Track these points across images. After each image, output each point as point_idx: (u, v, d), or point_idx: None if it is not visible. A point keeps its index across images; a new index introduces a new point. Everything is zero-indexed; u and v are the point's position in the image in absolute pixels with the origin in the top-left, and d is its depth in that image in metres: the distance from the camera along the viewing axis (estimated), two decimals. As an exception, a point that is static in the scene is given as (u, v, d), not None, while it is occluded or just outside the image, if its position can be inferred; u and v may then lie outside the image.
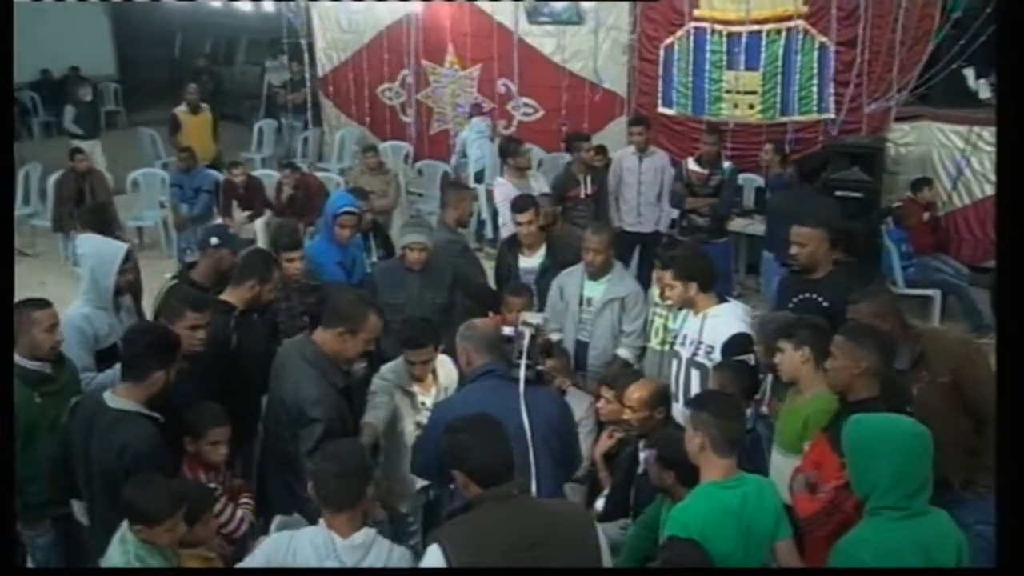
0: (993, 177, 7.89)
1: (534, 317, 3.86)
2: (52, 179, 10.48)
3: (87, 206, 9.14)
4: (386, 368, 4.48)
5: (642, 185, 8.05)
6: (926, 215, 8.35)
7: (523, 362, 3.56)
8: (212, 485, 3.90)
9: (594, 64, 10.94)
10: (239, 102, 16.90)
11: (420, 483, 4.30)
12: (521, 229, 5.96)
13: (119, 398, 3.65)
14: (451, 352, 4.24)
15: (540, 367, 3.71)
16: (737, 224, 8.78)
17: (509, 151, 7.69)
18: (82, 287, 4.71)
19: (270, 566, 2.98)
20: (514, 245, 6.13)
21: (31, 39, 16.20)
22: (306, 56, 13.49)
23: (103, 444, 3.57)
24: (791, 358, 3.82)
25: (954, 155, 8.77)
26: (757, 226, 8.69)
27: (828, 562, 2.84)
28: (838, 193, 8.48)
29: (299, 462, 3.88)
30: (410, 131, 12.98)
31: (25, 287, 7.39)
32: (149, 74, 19.39)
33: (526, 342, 3.61)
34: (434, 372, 4.50)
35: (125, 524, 3.27)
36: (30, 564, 4.23)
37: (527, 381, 3.56)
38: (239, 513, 3.96)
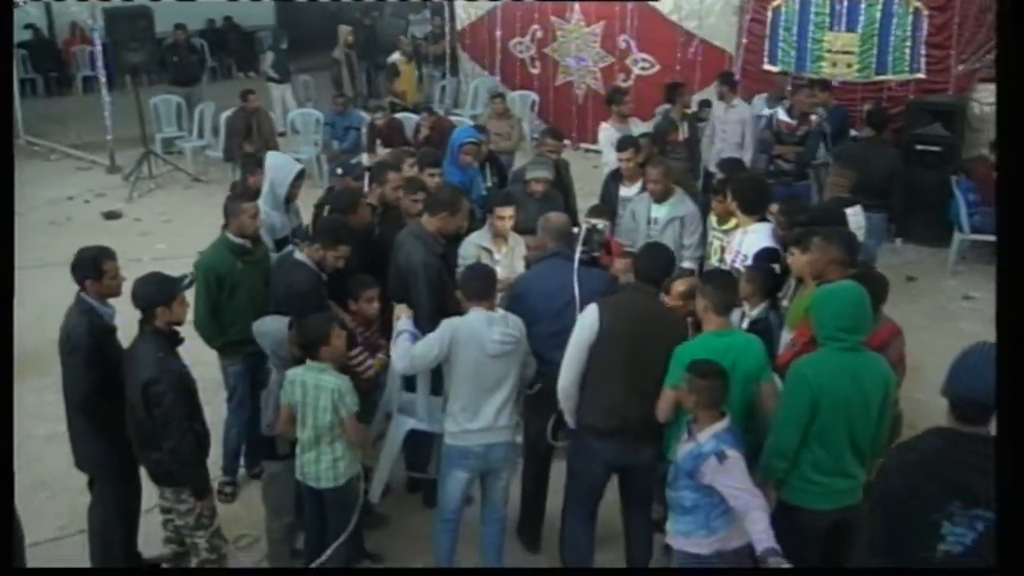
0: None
1: (597, 221, 5.37)
2: (224, 115, 12.01)
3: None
4: (472, 235, 5.82)
5: (724, 132, 9.28)
6: (995, 173, 9.02)
7: (578, 248, 4.91)
8: (366, 334, 5.20)
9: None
10: (386, 52, 18.27)
11: None
12: (622, 164, 7.17)
13: (301, 253, 5.13)
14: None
15: (596, 254, 5.11)
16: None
17: (614, 99, 8.84)
18: (263, 191, 6.05)
19: (451, 345, 4.35)
20: (617, 177, 7.32)
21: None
22: (447, 11, 14.81)
23: (280, 280, 5.07)
24: (798, 260, 4.88)
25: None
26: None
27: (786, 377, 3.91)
28: (918, 147, 9.36)
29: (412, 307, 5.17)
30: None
31: (200, 206, 9.02)
32: (305, 25, 21.04)
33: (582, 235, 5.04)
34: (506, 237, 5.77)
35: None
36: (224, 388, 5.68)
37: (581, 262, 4.86)
38: (368, 361, 5.20)
